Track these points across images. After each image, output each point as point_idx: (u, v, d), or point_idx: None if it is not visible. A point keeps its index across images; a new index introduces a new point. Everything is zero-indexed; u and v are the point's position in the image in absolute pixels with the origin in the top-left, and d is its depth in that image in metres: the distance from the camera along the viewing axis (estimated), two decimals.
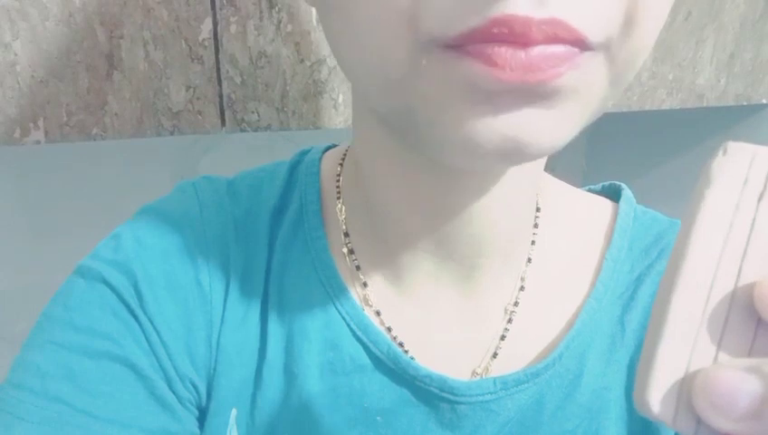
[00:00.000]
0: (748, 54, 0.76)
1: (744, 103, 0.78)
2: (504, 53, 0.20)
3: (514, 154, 0.23)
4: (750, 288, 0.18)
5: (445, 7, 0.21)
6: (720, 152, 0.19)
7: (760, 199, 0.19)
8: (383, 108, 0.26)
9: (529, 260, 0.36)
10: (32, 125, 0.51)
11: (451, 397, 0.33)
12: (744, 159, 0.19)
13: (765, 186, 0.19)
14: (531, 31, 0.20)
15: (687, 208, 0.20)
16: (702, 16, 0.71)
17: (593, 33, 0.21)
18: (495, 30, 0.20)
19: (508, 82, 0.21)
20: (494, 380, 0.34)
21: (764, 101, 0.80)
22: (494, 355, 0.35)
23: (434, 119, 0.23)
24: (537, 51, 0.20)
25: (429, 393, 0.34)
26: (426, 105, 0.23)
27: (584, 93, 0.22)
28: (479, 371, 0.35)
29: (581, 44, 0.21)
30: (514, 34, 0.20)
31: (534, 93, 0.21)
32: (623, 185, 0.40)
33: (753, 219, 0.19)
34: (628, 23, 0.22)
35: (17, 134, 0.51)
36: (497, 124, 0.22)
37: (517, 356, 0.35)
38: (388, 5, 0.21)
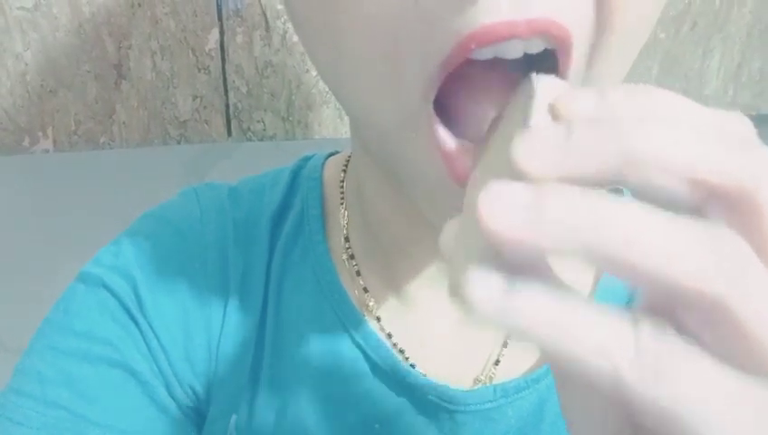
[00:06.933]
0: (756, 64, 0.75)
1: (753, 114, 0.78)
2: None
3: None
4: None
5: (421, 47, 0.21)
6: None
7: None
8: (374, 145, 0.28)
9: None
10: (40, 134, 0.52)
11: (450, 406, 0.33)
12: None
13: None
14: None
15: None
16: (708, 26, 0.71)
17: None
18: (473, 46, 0.21)
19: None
20: (494, 387, 0.33)
21: None
22: (497, 362, 0.34)
23: (420, 175, 0.25)
24: None
25: (428, 402, 0.33)
26: (410, 163, 0.25)
27: None
28: (482, 378, 0.34)
29: None
30: None
31: None
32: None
33: None
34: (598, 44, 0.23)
35: (26, 143, 0.52)
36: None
37: (519, 363, 0.34)
38: (373, 45, 0.22)
